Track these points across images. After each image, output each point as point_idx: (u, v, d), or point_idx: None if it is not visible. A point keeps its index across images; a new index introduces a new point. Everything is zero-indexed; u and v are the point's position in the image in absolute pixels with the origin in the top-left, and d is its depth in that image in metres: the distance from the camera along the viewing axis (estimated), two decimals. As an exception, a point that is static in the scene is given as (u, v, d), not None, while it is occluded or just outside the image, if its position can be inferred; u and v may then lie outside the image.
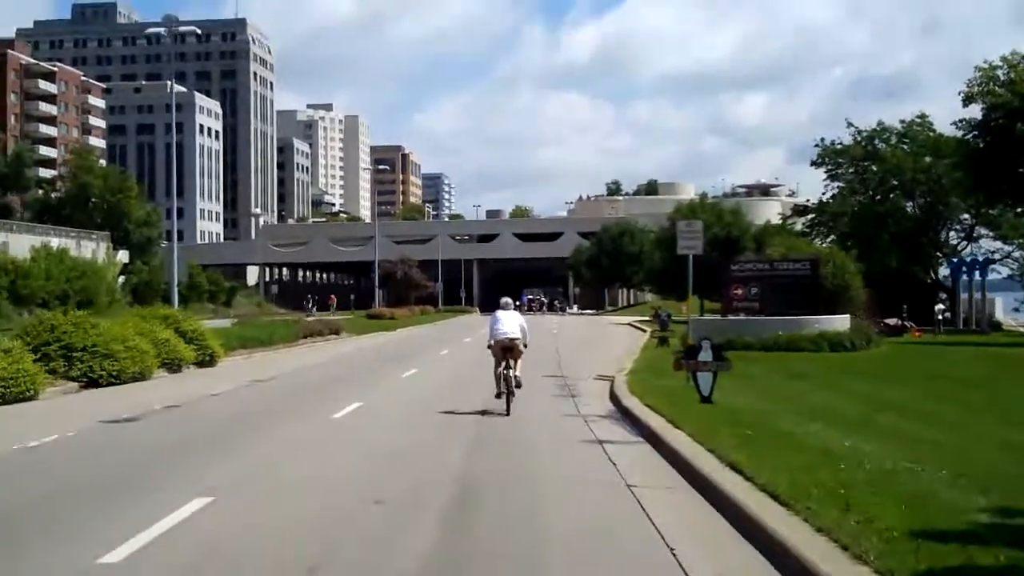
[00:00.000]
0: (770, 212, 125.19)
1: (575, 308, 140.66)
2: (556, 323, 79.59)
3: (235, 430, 18.96)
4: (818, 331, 35.84)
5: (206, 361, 37.17)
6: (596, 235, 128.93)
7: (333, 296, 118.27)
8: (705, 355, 19.90)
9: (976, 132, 53.24)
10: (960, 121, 54.58)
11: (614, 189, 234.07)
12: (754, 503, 10.31)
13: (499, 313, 22.51)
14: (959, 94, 53.48)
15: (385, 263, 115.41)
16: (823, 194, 78.97)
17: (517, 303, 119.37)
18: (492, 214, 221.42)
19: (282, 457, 15.55)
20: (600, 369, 33.63)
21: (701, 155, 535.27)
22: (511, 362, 21.57)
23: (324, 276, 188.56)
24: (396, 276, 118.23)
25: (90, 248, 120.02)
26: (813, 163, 78.32)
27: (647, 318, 79.67)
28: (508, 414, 20.87)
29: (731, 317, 37.70)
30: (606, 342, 53.40)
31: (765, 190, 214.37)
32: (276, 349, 46.10)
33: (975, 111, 53.15)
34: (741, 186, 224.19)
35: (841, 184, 78.23)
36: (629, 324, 76.75)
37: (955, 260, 70.08)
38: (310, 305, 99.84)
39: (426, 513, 11.29)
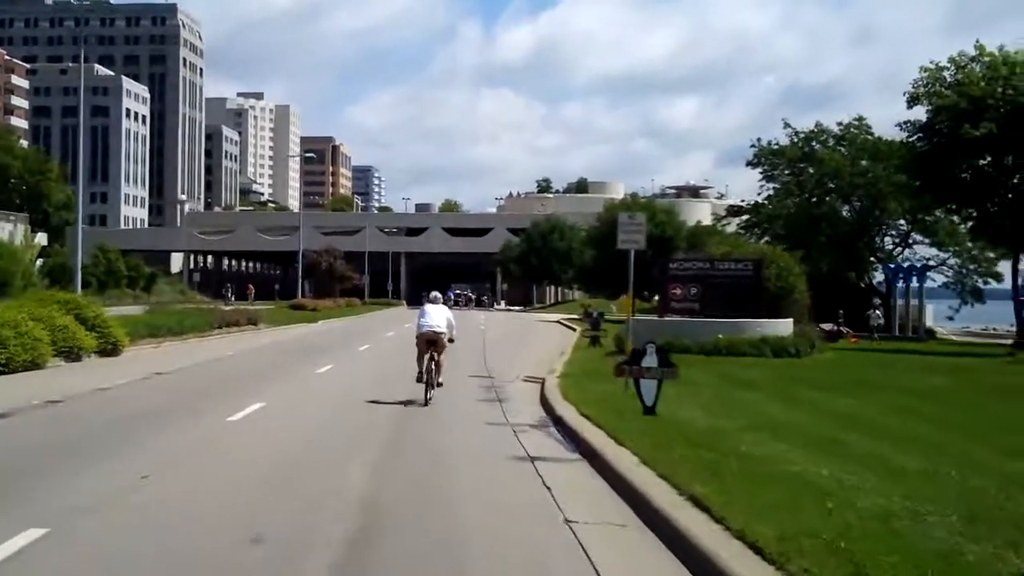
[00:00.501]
0: (700, 213, 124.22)
1: (503, 304, 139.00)
2: (483, 319, 77.30)
3: (110, 436, 16.44)
4: (760, 335, 33.88)
5: (109, 350, 34.71)
6: (526, 231, 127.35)
7: (251, 285, 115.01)
8: (650, 360, 17.76)
9: (921, 134, 51.68)
10: (905, 123, 52.99)
11: (545, 187, 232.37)
12: (733, 558, 8.09)
13: (427, 306, 22.75)
14: (904, 95, 51.91)
15: (309, 253, 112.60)
16: (758, 195, 77.44)
17: (444, 298, 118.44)
18: (421, 208, 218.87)
19: (152, 474, 12.99)
20: (529, 369, 31.49)
21: (631, 156, 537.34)
22: (435, 355, 21.80)
23: (250, 265, 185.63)
24: (320, 267, 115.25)
25: (7, 230, 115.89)
26: (749, 163, 76.73)
27: (577, 316, 77.79)
28: (427, 404, 21.12)
29: (668, 318, 35.63)
30: (535, 340, 51.27)
31: (695, 192, 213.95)
32: (187, 339, 43.45)
33: (920, 113, 51.67)
34: (671, 187, 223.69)
35: (777, 186, 76.63)
36: (558, 322, 74.74)
37: (892, 266, 68.78)
38: (228, 294, 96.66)
39: (316, 556, 9.04)
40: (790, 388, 24.41)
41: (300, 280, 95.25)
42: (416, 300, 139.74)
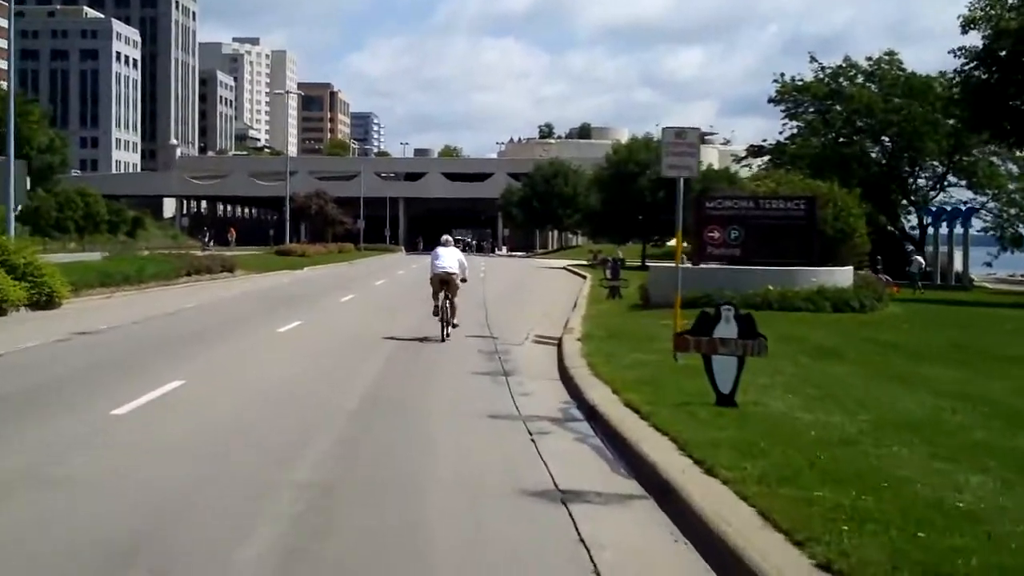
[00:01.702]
0: (707, 159, 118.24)
1: (504, 250, 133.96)
2: (484, 265, 71.23)
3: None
4: (816, 285, 28.17)
5: (43, 302, 29.62)
6: (528, 176, 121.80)
7: (232, 229, 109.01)
8: (726, 328, 12.23)
9: (976, 62, 45.86)
10: (959, 50, 47.04)
11: (546, 132, 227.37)
12: None
13: (439, 249, 23.54)
14: (957, 19, 46.13)
15: (299, 197, 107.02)
16: (780, 133, 71.53)
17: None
18: (420, 153, 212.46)
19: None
20: (540, 326, 26.14)
21: (634, 105, 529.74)
22: (448, 295, 22.59)
23: (245, 211, 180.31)
24: (311, 211, 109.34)
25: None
26: (770, 100, 70.83)
27: (584, 262, 72.32)
28: (444, 340, 21.85)
29: (705, 266, 29.94)
30: (542, 289, 45.75)
31: (700, 138, 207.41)
32: (147, 289, 38.02)
33: (975, 39, 45.90)
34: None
35: (800, 124, 70.77)
36: (564, 268, 69.29)
37: (932, 209, 63.10)
38: (206, 238, 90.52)
39: None
40: (883, 358, 18.80)
41: (287, 224, 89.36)
42: (414, 246, 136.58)
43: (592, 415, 12.73)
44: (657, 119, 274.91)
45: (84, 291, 33.70)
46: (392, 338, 22.32)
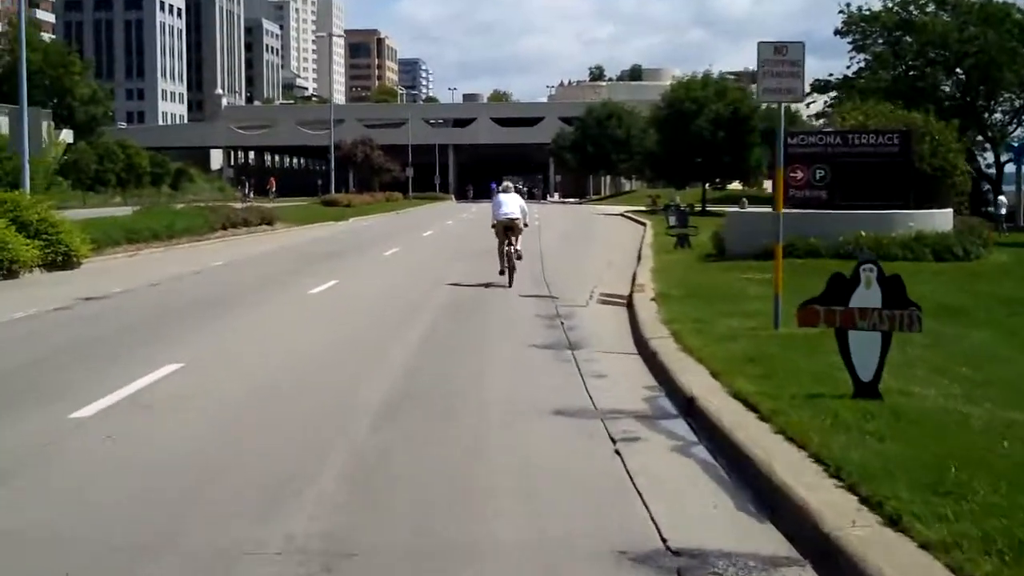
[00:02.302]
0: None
1: (556, 196, 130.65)
2: (537, 212, 68.46)
3: None
4: (914, 231, 24.92)
5: (59, 262, 27.20)
6: (580, 119, 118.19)
7: (272, 179, 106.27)
8: (868, 296, 9.27)
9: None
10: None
11: (597, 74, 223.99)
12: None
13: (501, 196, 23.77)
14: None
15: (344, 144, 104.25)
16: (847, 68, 67.78)
17: (491, 191, 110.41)
18: (469, 98, 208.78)
19: None
20: (604, 282, 23.31)
21: (686, 45, 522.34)
22: (512, 239, 22.72)
23: (293, 160, 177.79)
24: (356, 159, 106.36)
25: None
26: (836, 32, 67.02)
27: (642, 208, 69.16)
28: (510, 286, 21.95)
29: (787, 211, 26.79)
30: (601, 238, 42.79)
31: (752, 78, 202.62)
32: (176, 245, 35.49)
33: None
34: (730, 73, 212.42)
35: (868, 57, 66.99)
36: (621, 215, 66.19)
37: (1014, 145, 59.32)
38: (246, 190, 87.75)
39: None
40: (1020, 319, 15.78)
41: (332, 173, 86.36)
42: (463, 194, 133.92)
43: (691, 410, 9.78)
44: (709, 60, 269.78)
45: (108, 249, 31.26)
46: (438, 302, 19.53)
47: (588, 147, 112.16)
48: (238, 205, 52.26)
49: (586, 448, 8.79)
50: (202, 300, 20.22)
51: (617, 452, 8.57)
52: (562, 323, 16.59)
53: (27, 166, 31.51)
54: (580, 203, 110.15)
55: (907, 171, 26.55)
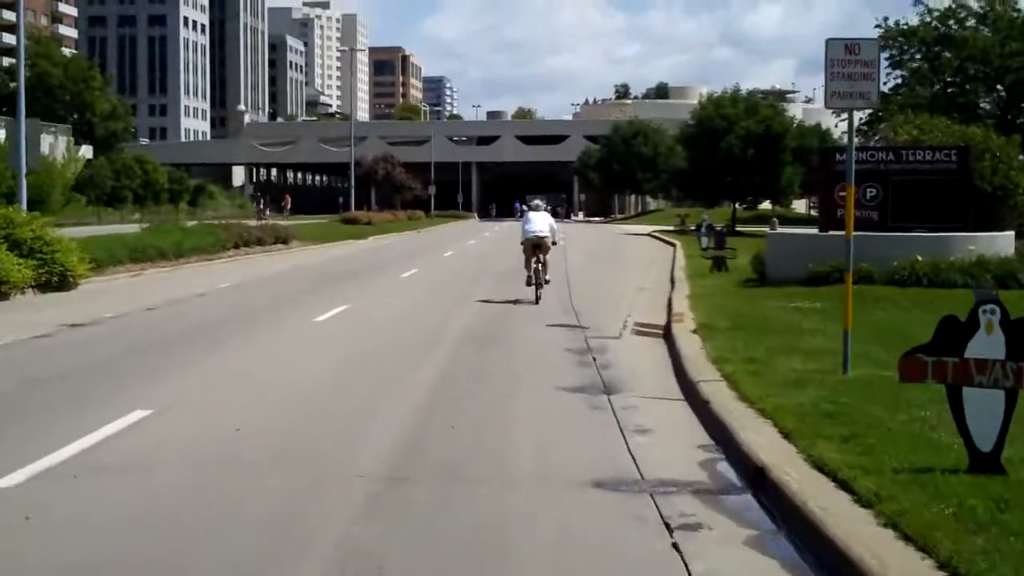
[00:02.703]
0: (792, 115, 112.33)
1: (580, 215, 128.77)
2: (561, 232, 66.60)
3: None
4: (975, 255, 22.90)
5: (54, 283, 25.47)
6: (606, 137, 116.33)
7: (287, 196, 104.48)
8: (989, 344, 7.36)
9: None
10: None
11: (623, 92, 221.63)
12: None
13: (530, 214, 23.88)
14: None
15: (365, 161, 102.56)
16: (884, 84, 65.80)
17: (514, 210, 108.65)
18: (493, 116, 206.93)
19: None
20: (638, 309, 21.45)
21: (712, 64, 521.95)
22: (540, 257, 22.81)
23: (316, 178, 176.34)
24: (377, 176, 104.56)
25: (47, 142, 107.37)
26: (872, 48, 65.03)
27: (670, 228, 67.11)
28: (537, 303, 22.02)
29: (835, 233, 24.79)
30: (631, 259, 40.82)
31: (781, 96, 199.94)
32: (185, 264, 33.76)
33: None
34: (756, 91, 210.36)
35: (905, 73, 65.03)
36: (649, 235, 64.18)
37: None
38: (261, 206, 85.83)
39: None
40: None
41: (352, 191, 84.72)
42: (487, 213, 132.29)
43: (761, 483, 7.84)
44: (735, 79, 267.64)
45: (110, 268, 29.61)
46: (456, 333, 17.66)
47: (614, 165, 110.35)
48: (252, 223, 50.50)
49: (635, 539, 6.87)
50: (197, 328, 18.39)
51: (675, 546, 6.65)
52: (594, 359, 14.68)
53: (24, 180, 29.76)
54: (605, 222, 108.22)
55: (966, 190, 24.47)
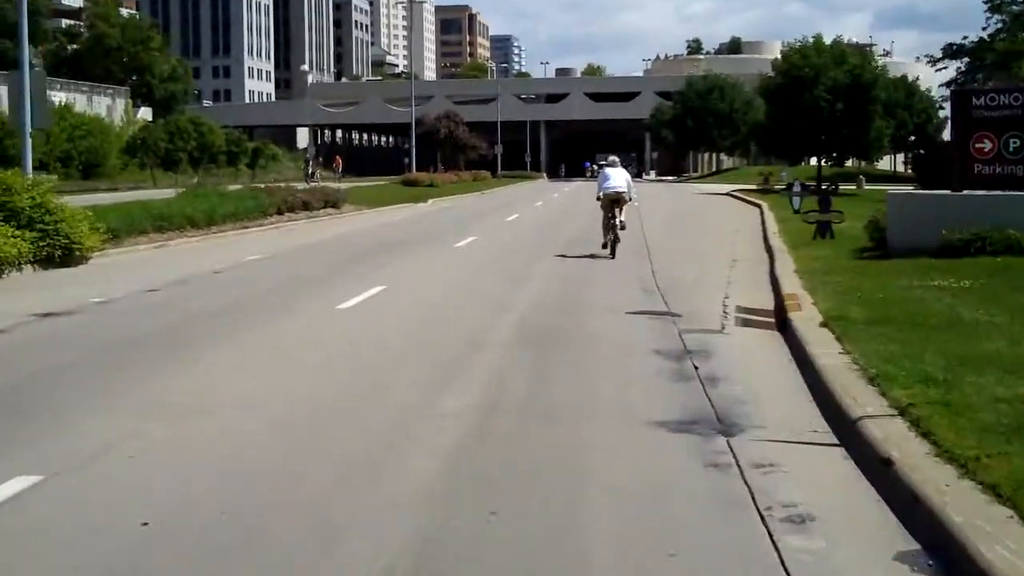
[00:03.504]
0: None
1: (652, 174, 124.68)
2: (634, 192, 62.54)
3: None
4: None
5: (57, 258, 22.05)
6: (680, 93, 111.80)
7: (338, 157, 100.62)
8: None
9: None
10: None
11: (695, 48, 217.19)
12: None
13: (608, 170, 24.57)
14: None
15: (428, 120, 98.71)
16: (984, 29, 60.91)
17: (585, 169, 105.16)
18: (562, 73, 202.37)
19: None
20: (735, 287, 17.61)
21: (784, 19, 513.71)
22: (617, 211, 23.43)
23: (381, 139, 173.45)
24: (439, 135, 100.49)
25: (104, 104, 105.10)
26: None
27: (752, 187, 62.89)
28: (614, 257, 22.68)
29: (970, 192, 20.61)
30: (714, 223, 36.71)
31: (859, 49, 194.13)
32: (216, 233, 30.33)
33: None
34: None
35: (1004, 18, 60.18)
36: (728, 194, 60.06)
37: None
38: (311, 168, 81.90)
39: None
40: None
41: (413, 151, 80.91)
42: (556, 172, 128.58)
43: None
44: (808, 33, 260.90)
45: (131, 239, 26.23)
46: (508, 330, 13.80)
47: (688, 121, 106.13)
48: (299, 185, 46.85)
49: None
50: (191, 320, 14.70)
51: None
52: (696, 368, 10.79)
53: (28, 139, 26.26)
54: (678, 181, 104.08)
55: None
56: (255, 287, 18.72)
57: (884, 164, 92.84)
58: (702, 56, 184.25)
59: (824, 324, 12.14)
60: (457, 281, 19.87)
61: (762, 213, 37.95)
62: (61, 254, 22.19)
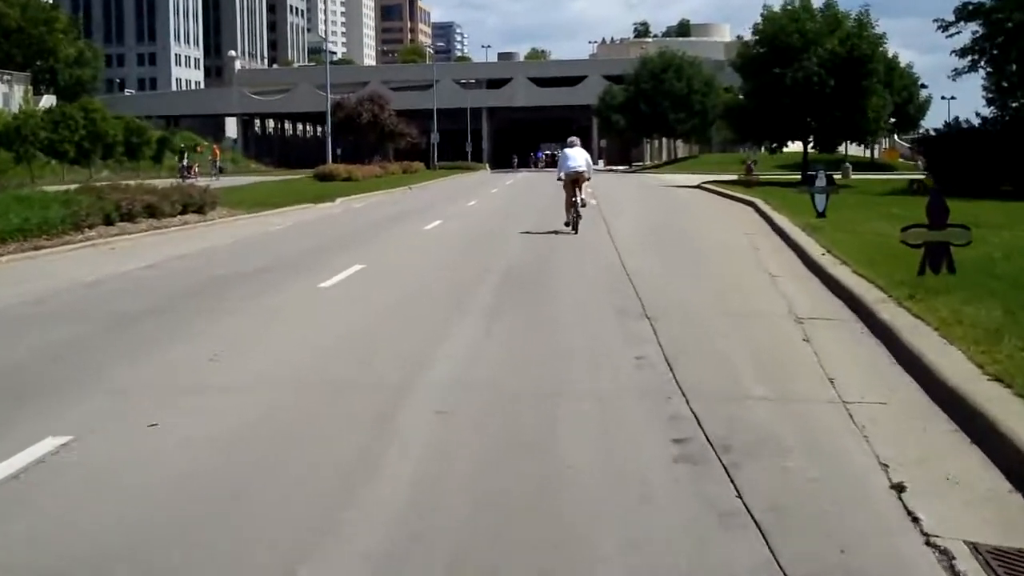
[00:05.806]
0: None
1: (602, 164, 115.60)
2: (589, 186, 51.86)
3: None
4: None
5: None
6: (632, 75, 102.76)
7: (217, 147, 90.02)
8: None
9: None
10: None
11: (642, 31, 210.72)
12: None
13: (567, 151, 25.77)
14: None
15: (347, 104, 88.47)
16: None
17: (532, 159, 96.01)
18: (504, 57, 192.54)
19: None
20: (779, 374, 7.58)
21: (733, 4, 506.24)
22: (577, 191, 24.81)
23: (314, 128, 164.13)
24: (360, 120, 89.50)
25: (0, 92, 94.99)
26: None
27: (725, 178, 53.43)
28: (576, 232, 24.16)
29: None
30: (715, 237, 25.18)
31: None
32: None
33: None
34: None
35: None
36: (699, 187, 50.54)
37: None
38: (186, 163, 70.64)
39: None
40: None
41: (328, 140, 70.93)
42: (506, 162, 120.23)
43: None
44: (758, 19, 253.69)
45: None
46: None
47: (641, 105, 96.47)
48: (160, 183, 36.41)
49: None
50: None
51: None
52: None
53: None
54: (630, 171, 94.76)
55: None
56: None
57: (854, 149, 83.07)
58: (650, 39, 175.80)
59: None
60: (321, 347, 9.86)
61: (766, 218, 28.34)
62: None
